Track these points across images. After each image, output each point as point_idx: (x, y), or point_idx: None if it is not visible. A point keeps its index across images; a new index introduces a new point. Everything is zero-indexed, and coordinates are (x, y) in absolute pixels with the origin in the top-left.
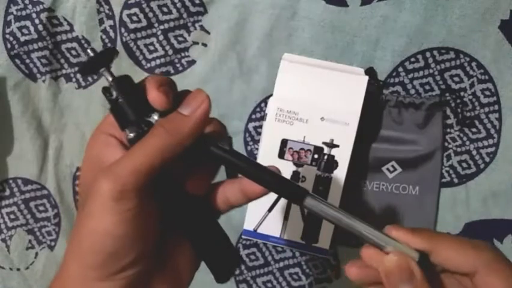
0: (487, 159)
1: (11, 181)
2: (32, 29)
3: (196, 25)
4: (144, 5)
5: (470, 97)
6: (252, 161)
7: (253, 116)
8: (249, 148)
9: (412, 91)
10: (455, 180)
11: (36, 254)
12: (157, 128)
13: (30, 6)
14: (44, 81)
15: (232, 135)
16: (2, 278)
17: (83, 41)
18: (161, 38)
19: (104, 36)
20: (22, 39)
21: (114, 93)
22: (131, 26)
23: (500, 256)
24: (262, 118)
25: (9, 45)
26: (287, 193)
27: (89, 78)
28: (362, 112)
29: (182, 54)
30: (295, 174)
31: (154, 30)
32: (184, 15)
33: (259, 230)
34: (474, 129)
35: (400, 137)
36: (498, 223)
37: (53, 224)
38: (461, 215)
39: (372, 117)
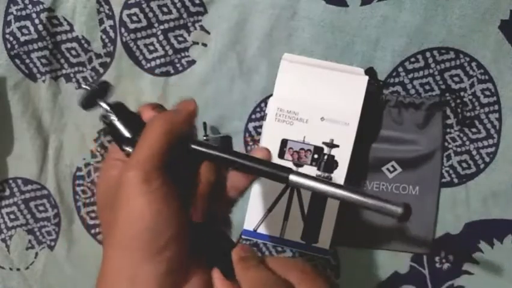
0: (487, 159)
1: (11, 181)
2: (32, 29)
3: (196, 25)
4: (144, 5)
5: (470, 97)
6: (232, 150)
7: (253, 116)
8: (249, 148)
9: (412, 91)
10: (455, 180)
11: (36, 254)
12: (156, 119)
13: (30, 6)
14: (44, 81)
15: (232, 135)
16: (2, 278)
17: (83, 41)
18: (161, 38)
19: (104, 36)
20: (22, 39)
21: (111, 119)
22: (131, 26)
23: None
24: (262, 118)
25: (9, 45)
26: (271, 174)
27: (89, 78)
28: (362, 112)
29: (182, 54)
30: None
31: (154, 30)
32: (184, 15)
33: (259, 230)
34: (474, 129)
35: (400, 137)
36: (498, 223)
37: (53, 224)
38: (461, 215)
39: (372, 117)
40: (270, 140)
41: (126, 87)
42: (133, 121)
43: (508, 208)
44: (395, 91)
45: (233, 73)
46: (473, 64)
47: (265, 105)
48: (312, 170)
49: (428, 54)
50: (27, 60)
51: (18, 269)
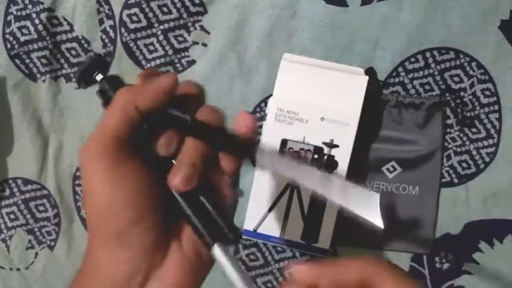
0: (487, 159)
1: (11, 181)
2: (32, 29)
3: (196, 25)
4: (144, 5)
5: (470, 97)
6: (203, 123)
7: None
8: None
9: (412, 91)
10: (455, 180)
11: (36, 254)
12: (120, 93)
13: (30, 6)
14: (44, 81)
15: None
16: (2, 278)
17: (83, 41)
18: (161, 38)
19: (104, 36)
20: (22, 39)
21: (108, 91)
22: (131, 26)
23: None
24: (262, 118)
25: (9, 45)
26: (236, 148)
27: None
28: (362, 112)
29: (182, 54)
30: None
31: (154, 30)
32: (184, 15)
33: (259, 230)
34: (474, 129)
35: (400, 137)
36: (498, 223)
37: (53, 224)
38: (461, 215)
39: (372, 117)
40: (270, 140)
41: None
42: None
43: (508, 208)
44: (395, 91)
45: (233, 73)
46: (473, 64)
47: (265, 105)
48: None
49: (428, 54)
50: (27, 60)
51: (18, 269)
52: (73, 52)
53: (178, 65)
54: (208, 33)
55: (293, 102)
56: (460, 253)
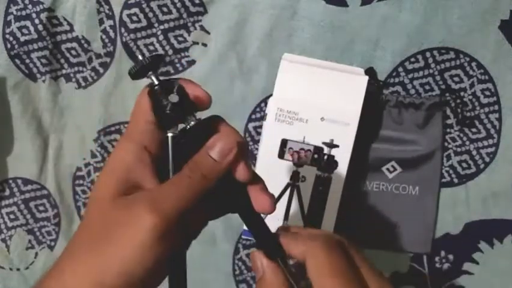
0: (487, 159)
1: (11, 181)
2: (32, 29)
3: (196, 25)
4: (144, 5)
5: (470, 97)
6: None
7: (253, 116)
8: (249, 148)
9: (412, 91)
10: (455, 180)
11: (36, 254)
12: (192, 169)
13: (30, 6)
14: (44, 81)
15: None
16: (2, 278)
17: (83, 41)
18: (161, 38)
19: (104, 36)
20: (22, 39)
21: (159, 95)
22: (131, 26)
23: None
24: (262, 118)
25: (9, 45)
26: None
27: (89, 78)
28: (362, 112)
29: (182, 54)
30: (295, 174)
31: (154, 30)
32: (184, 15)
33: None
34: (474, 129)
35: (400, 137)
36: (498, 223)
37: (53, 224)
38: (461, 215)
39: (372, 117)
40: (270, 140)
41: (126, 87)
42: (182, 101)
43: (508, 208)
44: (395, 91)
45: (233, 73)
46: (473, 64)
47: (265, 105)
48: (312, 170)
49: (428, 54)
50: (27, 60)
51: (18, 269)
52: (73, 52)
53: (178, 65)
54: (208, 33)
55: (293, 102)
56: (460, 253)
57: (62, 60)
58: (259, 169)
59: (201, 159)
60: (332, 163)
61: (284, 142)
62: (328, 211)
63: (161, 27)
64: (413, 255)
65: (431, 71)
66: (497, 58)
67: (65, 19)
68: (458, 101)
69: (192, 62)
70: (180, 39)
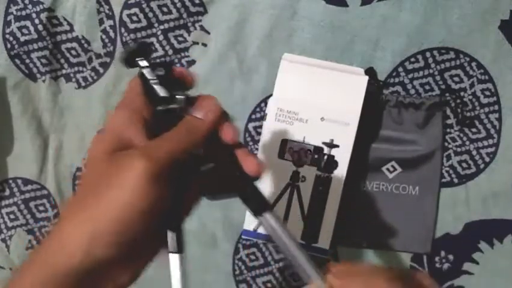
0: (487, 159)
1: (11, 181)
2: (32, 29)
3: (196, 25)
4: (144, 5)
5: (470, 97)
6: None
7: (253, 116)
8: (249, 148)
9: (412, 91)
10: (455, 180)
11: None
12: (180, 127)
13: (30, 6)
14: (44, 81)
15: None
16: (2, 278)
17: (83, 41)
18: (161, 38)
19: (104, 36)
20: (22, 39)
21: (147, 77)
22: (131, 26)
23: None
24: (262, 118)
25: (9, 45)
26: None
27: (89, 78)
28: (362, 112)
29: (182, 54)
30: (295, 174)
31: (154, 30)
32: (184, 15)
33: (259, 230)
34: (474, 129)
35: (400, 137)
36: (498, 223)
37: (53, 224)
38: (461, 215)
39: (372, 117)
40: (270, 140)
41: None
42: (169, 82)
43: (508, 208)
44: (395, 91)
45: (233, 73)
46: (473, 64)
47: (265, 105)
48: (312, 170)
49: (428, 54)
50: (27, 60)
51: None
52: (73, 52)
53: (178, 65)
54: (208, 33)
55: (293, 102)
56: (460, 253)
57: (62, 60)
58: None
59: (187, 119)
60: (332, 163)
61: (284, 142)
62: (328, 211)
63: (161, 27)
64: (413, 255)
65: (431, 71)
66: (497, 58)
67: (65, 19)
68: (458, 101)
69: (192, 62)
70: (180, 39)
